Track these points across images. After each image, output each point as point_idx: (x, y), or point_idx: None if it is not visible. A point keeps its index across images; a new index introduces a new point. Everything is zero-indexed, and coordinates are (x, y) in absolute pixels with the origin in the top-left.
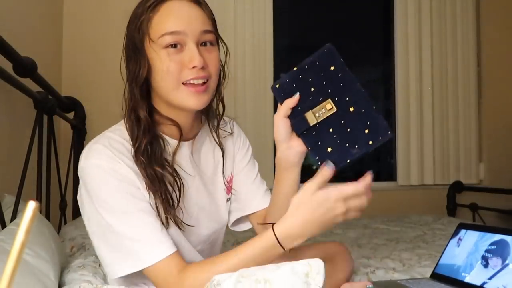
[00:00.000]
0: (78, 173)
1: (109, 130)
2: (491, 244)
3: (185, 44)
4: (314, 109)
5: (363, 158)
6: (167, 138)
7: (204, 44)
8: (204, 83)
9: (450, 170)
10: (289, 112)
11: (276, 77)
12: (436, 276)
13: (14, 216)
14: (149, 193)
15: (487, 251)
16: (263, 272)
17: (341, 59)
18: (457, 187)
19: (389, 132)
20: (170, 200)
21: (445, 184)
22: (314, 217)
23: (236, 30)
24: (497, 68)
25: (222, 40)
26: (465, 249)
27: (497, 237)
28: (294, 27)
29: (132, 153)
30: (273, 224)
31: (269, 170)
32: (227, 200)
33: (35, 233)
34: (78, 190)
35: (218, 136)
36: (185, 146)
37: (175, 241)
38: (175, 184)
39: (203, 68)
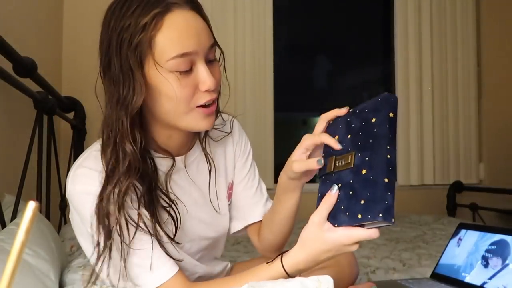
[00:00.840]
0: (67, 197)
1: (94, 149)
2: (491, 244)
3: (194, 64)
4: (338, 157)
5: None
6: (157, 159)
7: (209, 59)
8: (213, 101)
9: (450, 170)
10: (306, 149)
11: (276, 77)
12: (436, 276)
13: (14, 216)
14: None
15: (487, 251)
16: (272, 285)
17: (390, 114)
18: (457, 187)
19: (381, 215)
20: (166, 232)
21: (445, 184)
22: (321, 254)
23: (236, 30)
24: (497, 68)
25: (219, 46)
26: (465, 249)
27: (497, 237)
28: (294, 27)
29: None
30: (281, 255)
31: (269, 170)
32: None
33: (35, 233)
34: (70, 212)
35: (205, 148)
36: (179, 161)
37: (173, 255)
38: (170, 214)
39: (215, 88)
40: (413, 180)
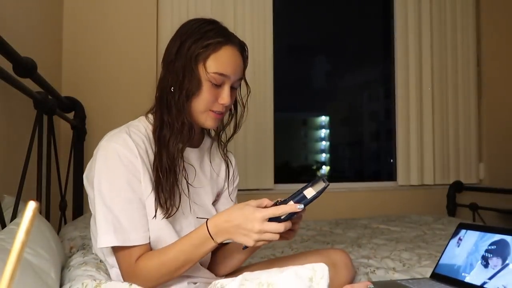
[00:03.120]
0: (95, 151)
1: (133, 125)
2: (491, 244)
3: (223, 83)
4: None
5: (363, 157)
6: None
7: (233, 86)
8: (222, 113)
9: (450, 170)
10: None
11: (276, 77)
12: (436, 276)
13: (14, 216)
14: (155, 180)
15: (487, 251)
16: (267, 276)
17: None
18: (457, 187)
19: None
20: (177, 187)
21: (445, 184)
22: (235, 220)
23: (236, 31)
24: (497, 68)
25: (247, 82)
26: (465, 249)
27: (497, 237)
28: (294, 27)
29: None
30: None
31: (269, 170)
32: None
33: (35, 232)
34: (89, 167)
35: (226, 152)
36: (194, 151)
37: (167, 241)
38: (182, 174)
39: (227, 105)
40: (413, 180)
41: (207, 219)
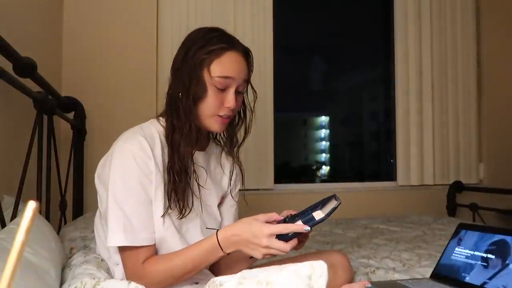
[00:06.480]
0: (111, 150)
1: (145, 127)
2: (491, 244)
3: (228, 87)
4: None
5: (363, 157)
6: None
7: (238, 90)
8: (229, 117)
9: (450, 170)
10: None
11: (276, 77)
12: (436, 276)
13: (14, 216)
14: (168, 183)
15: (487, 251)
16: (265, 274)
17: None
18: (457, 187)
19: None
20: (186, 188)
21: (445, 184)
22: (244, 235)
23: (236, 31)
24: (497, 68)
25: (253, 87)
26: (465, 250)
27: (497, 237)
28: (294, 27)
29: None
30: (217, 230)
31: (269, 170)
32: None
33: (35, 231)
34: (101, 166)
35: (238, 158)
36: (201, 154)
37: (172, 246)
38: (193, 177)
39: (233, 109)
40: (413, 180)
41: (217, 230)
